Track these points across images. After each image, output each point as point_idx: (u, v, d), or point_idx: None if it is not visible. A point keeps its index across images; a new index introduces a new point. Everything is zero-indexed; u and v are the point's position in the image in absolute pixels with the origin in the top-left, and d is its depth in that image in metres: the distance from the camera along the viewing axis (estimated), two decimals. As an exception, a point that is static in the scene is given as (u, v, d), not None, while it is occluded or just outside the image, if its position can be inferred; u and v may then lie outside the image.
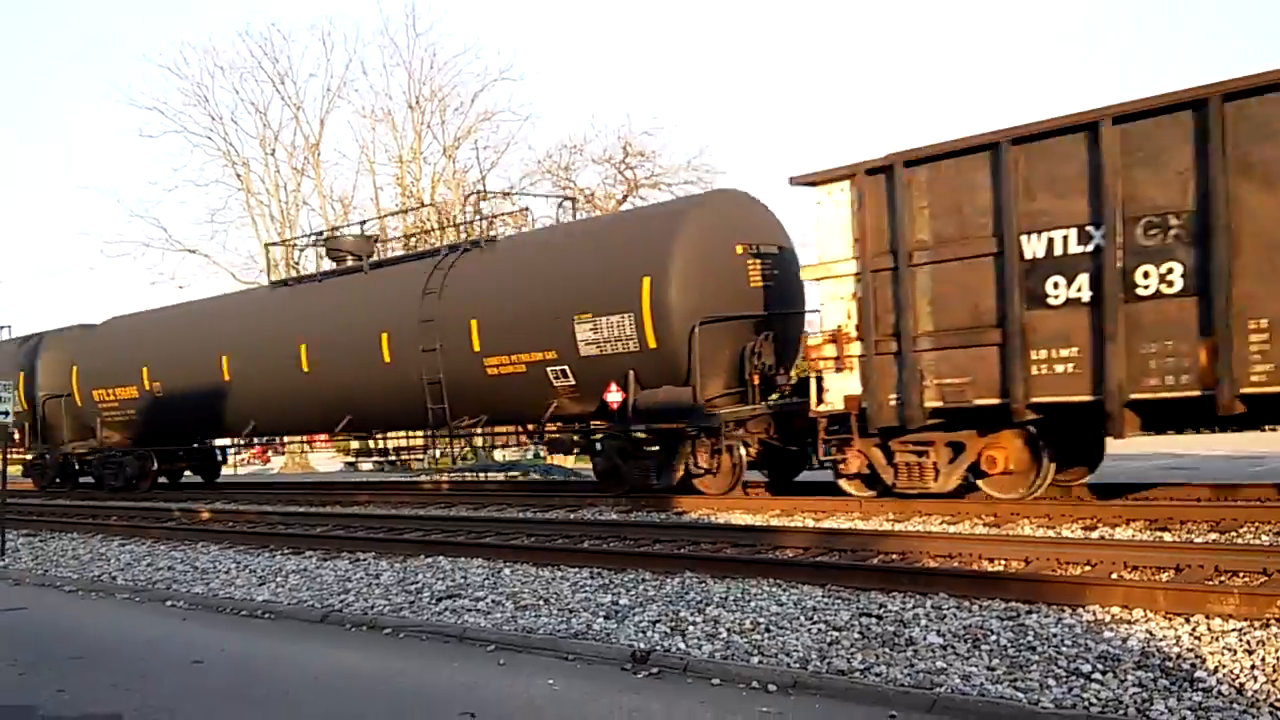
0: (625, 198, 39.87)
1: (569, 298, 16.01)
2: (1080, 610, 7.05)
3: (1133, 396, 10.55)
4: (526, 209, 41.21)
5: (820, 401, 12.86)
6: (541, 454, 28.76)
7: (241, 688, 6.85)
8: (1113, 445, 12.48)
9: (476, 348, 17.14)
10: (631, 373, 15.35)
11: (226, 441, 26.99)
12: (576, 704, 6.03)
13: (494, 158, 45.44)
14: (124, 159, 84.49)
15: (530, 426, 18.88)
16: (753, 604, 7.93)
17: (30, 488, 27.65)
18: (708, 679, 6.31)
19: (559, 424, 17.33)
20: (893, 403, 12.16)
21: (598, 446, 16.30)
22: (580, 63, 71.41)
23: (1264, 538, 9.64)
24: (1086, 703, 5.41)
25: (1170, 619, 6.72)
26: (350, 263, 21.22)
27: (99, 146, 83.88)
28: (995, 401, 11.42)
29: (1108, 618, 6.86)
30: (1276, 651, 5.91)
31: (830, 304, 12.73)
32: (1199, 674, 5.65)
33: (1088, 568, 8.48)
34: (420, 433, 22.18)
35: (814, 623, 7.28)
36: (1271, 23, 70.87)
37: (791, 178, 13.30)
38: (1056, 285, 10.97)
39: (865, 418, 12.46)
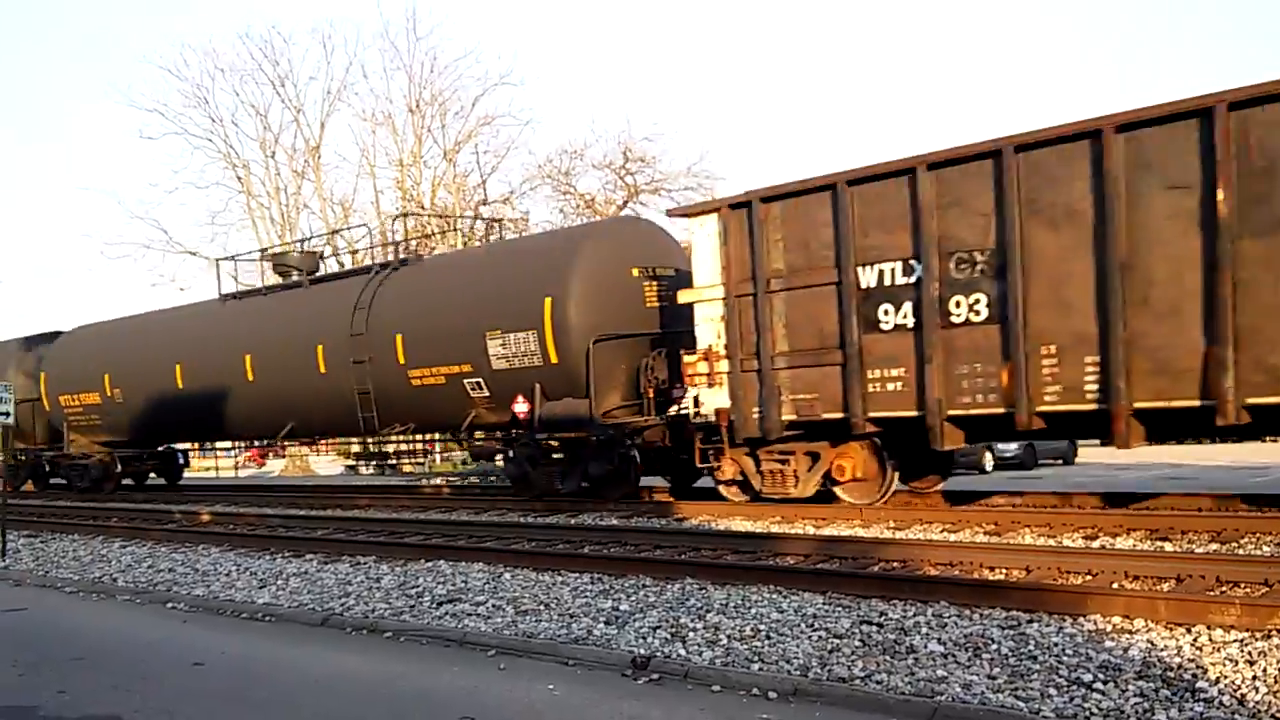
0: (625, 203, 39.90)
1: (482, 315, 17.02)
2: (1081, 619, 7.05)
3: (950, 413, 11.74)
4: (526, 214, 41.32)
5: (696, 414, 14.01)
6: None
7: (242, 690, 6.85)
8: (1113, 456, 12.65)
9: (402, 360, 18.20)
10: (537, 385, 16.38)
11: (188, 445, 28.10)
12: (577, 709, 6.03)
13: (494, 162, 45.49)
14: (124, 160, 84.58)
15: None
16: (753, 611, 7.93)
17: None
18: (708, 685, 6.31)
19: (480, 432, 18.63)
20: (755, 415, 13.32)
21: (510, 454, 17.47)
22: (581, 68, 71.48)
23: (1265, 548, 9.64)
24: (1088, 712, 5.41)
25: (1171, 629, 6.72)
26: (295, 278, 22.33)
27: (99, 148, 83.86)
28: (839, 416, 12.61)
29: (1109, 627, 6.85)
30: (1278, 662, 5.91)
31: (703, 325, 13.84)
32: (1200, 684, 5.65)
33: (1089, 577, 8.47)
34: (419, 437, 22.75)
35: (815, 630, 7.28)
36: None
37: (668, 210, 15.07)
38: (887, 312, 12.18)
39: (734, 429, 13.56)
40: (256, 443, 29.33)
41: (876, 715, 5.61)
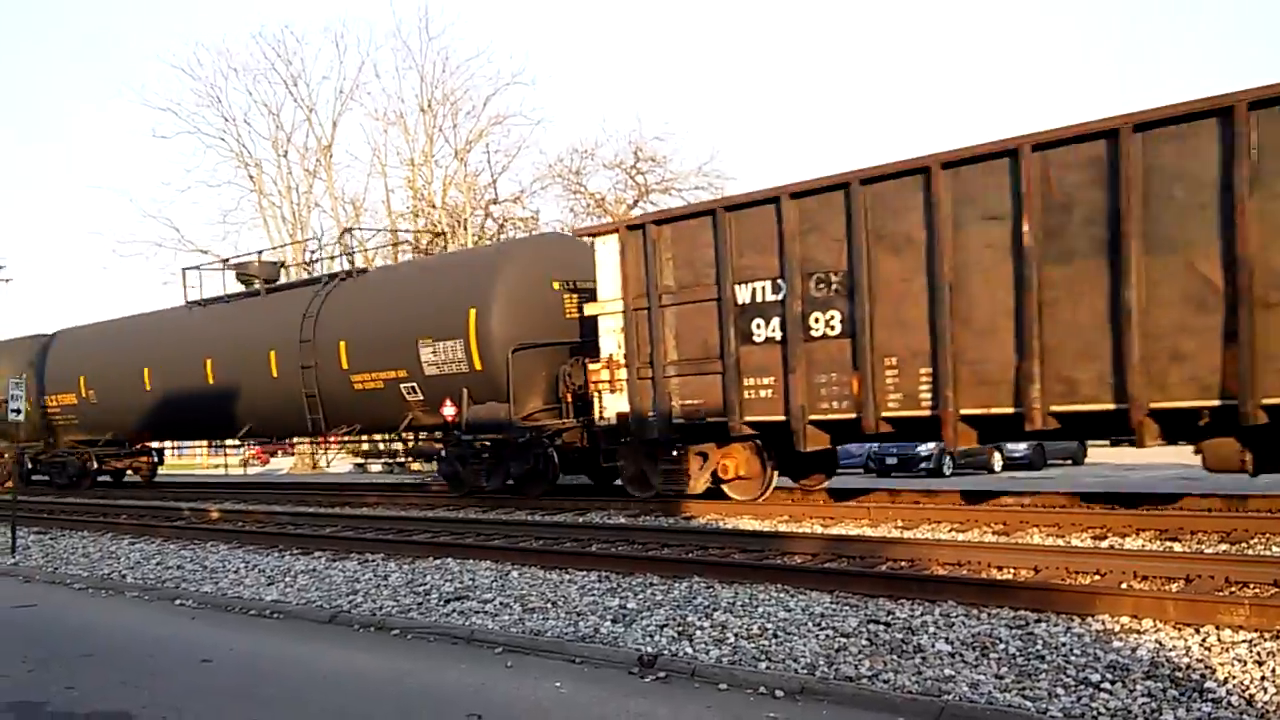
0: (636, 203, 39.92)
1: (415, 324, 18.22)
2: (1089, 619, 7.03)
3: (811, 417, 12.90)
4: (536, 213, 41.35)
5: (600, 417, 15.16)
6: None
7: (250, 687, 6.86)
8: (1122, 456, 12.70)
9: (345, 365, 19.51)
10: (465, 390, 17.54)
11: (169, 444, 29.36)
12: (584, 707, 6.04)
13: (505, 161, 45.70)
14: (137, 159, 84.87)
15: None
16: (760, 609, 7.93)
17: None
18: (715, 684, 6.31)
19: (421, 433, 19.92)
20: (650, 418, 14.45)
21: (442, 453, 18.73)
22: (592, 67, 71.51)
23: (1275, 549, 9.60)
24: (1095, 712, 5.39)
25: (1180, 629, 6.70)
26: (256, 286, 23.62)
27: (112, 147, 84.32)
28: (722, 419, 13.71)
29: (1117, 627, 6.84)
30: (1287, 663, 5.88)
31: (605, 336, 15.02)
32: (1209, 685, 5.63)
33: (1097, 577, 8.45)
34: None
35: (822, 629, 7.27)
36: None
37: (575, 230, 16.98)
38: (759, 326, 13.35)
39: (632, 431, 14.76)
40: (253, 442, 30.14)
41: (884, 714, 5.60)
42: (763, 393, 13.32)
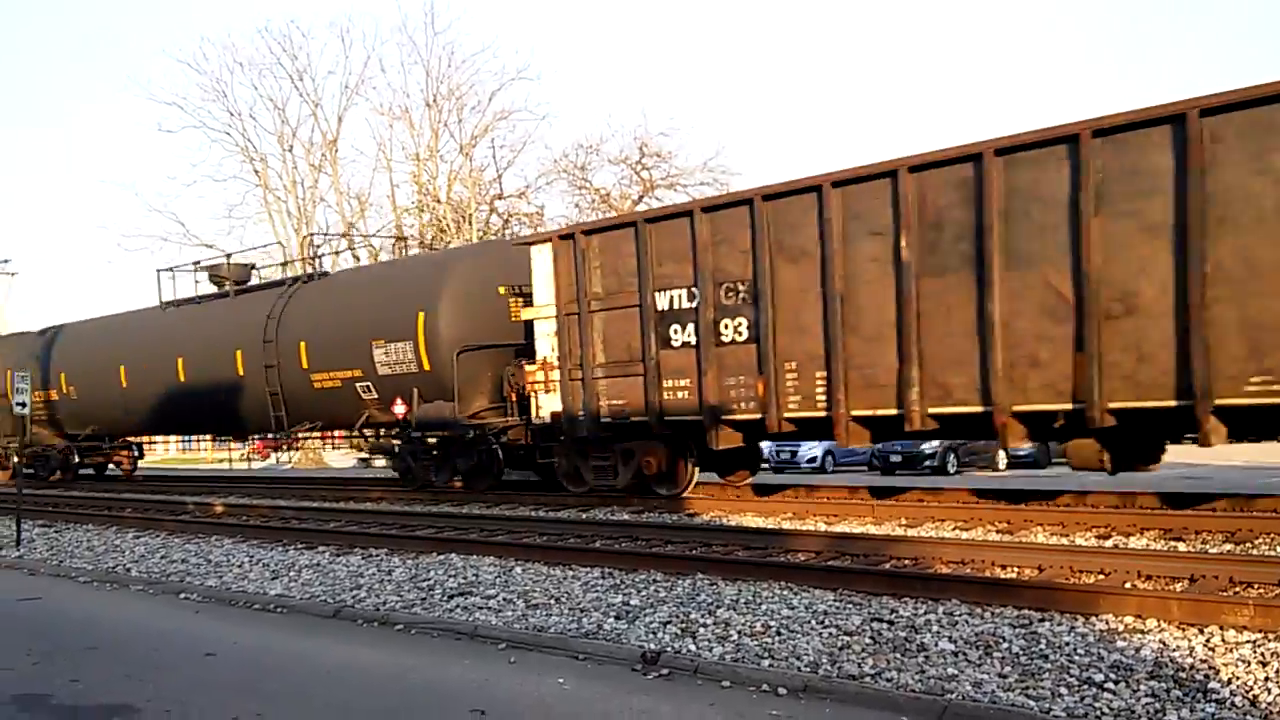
0: (641, 198, 39.89)
1: (369, 326, 19.08)
2: (1093, 619, 7.03)
3: (723, 417, 13.74)
4: (541, 208, 41.34)
5: (537, 416, 15.96)
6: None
7: (253, 681, 6.88)
8: None
9: (305, 365, 20.39)
10: (415, 389, 18.30)
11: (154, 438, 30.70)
12: (587, 703, 6.04)
13: (510, 157, 45.67)
14: (142, 154, 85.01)
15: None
16: (764, 607, 7.93)
17: None
18: (718, 681, 6.31)
19: (375, 429, 20.87)
20: (581, 418, 15.25)
21: (395, 449, 19.76)
22: (597, 63, 71.51)
23: (1280, 549, 9.58)
24: (1099, 712, 5.39)
25: (1184, 629, 6.69)
26: (227, 287, 24.49)
27: (118, 141, 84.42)
28: (644, 418, 14.52)
29: (1121, 627, 6.83)
30: (1291, 664, 5.87)
31: (540, 339, 15.85)
32: (1212, 685, 5.62)
33: (1101, 576, 8.44)
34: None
35: (825, 627, 7.27)
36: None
37: (512, 241, 17.71)
38: (676, 331, 14.15)
39: (565, 429, 15.54)
40: (257, 437, 30.79)
41: (887, 713, 5.60)
42: (680, 394, 14.17)
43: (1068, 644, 6.50)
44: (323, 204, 44.16)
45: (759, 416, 13.36)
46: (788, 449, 27.26)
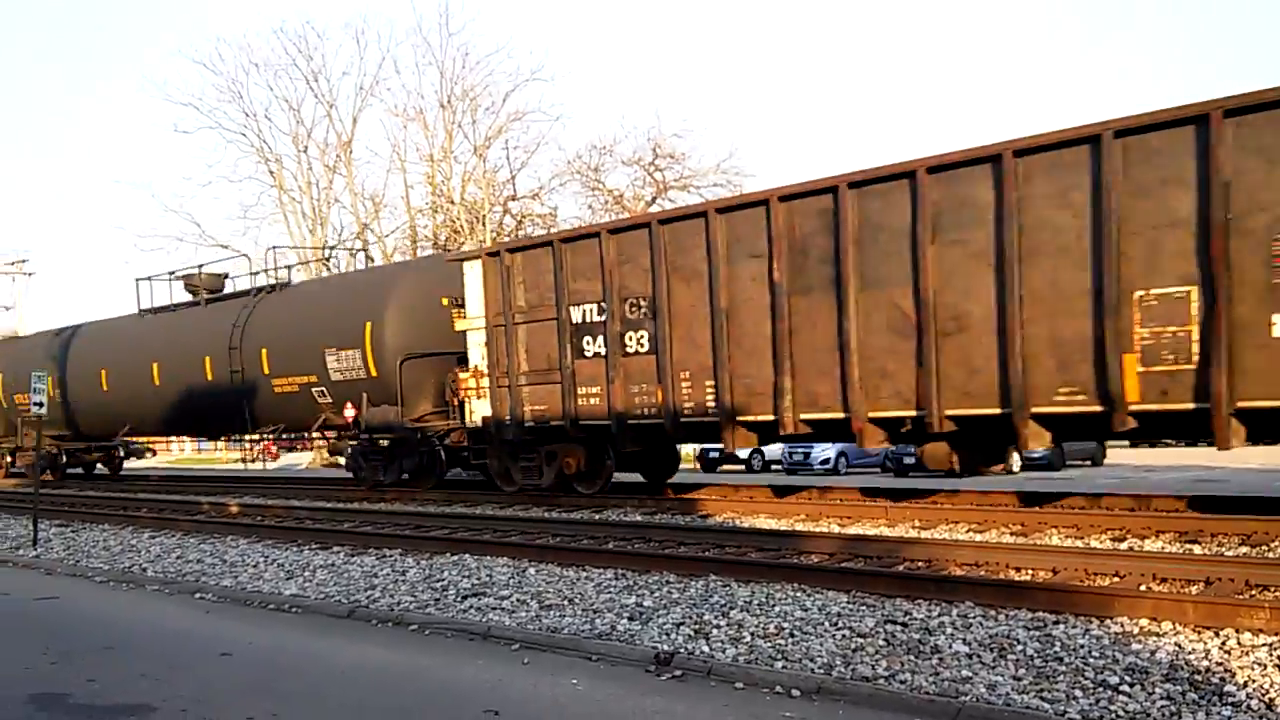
0: (654, 199, 39.91)
1: (322, 334, 20.50)
2: (1108, 621, 7.00)
3: (629, 422, 14.90)
4: (555, 209, 41.37)
5: (470, 420, 17.26)
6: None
7: (269, 681, 6.91)
8: (1141, 458, 12.69)
9: (266, 370, 21.83)
10: (364, 395, 19.74)
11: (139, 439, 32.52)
12: (600, 704, 6.05)
13: (524, 158, 45.85)
14: (158, 154, 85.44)
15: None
16: (777, 609, 7.92)
17: None
18: (731, 683, 6.32)
19: (334, 431, 22.13)
20: (508, 422, 16.52)
21: (348, 450, 21.04)
22: (611, 63, 71.57)
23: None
24: (1113, 714, 5.37)
25: (1199, 632, 6.66)
26: (201, 296, 25.79)
27: (134, 142, 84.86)
28: (561, 423, 15.75)
29: (1136, 629, 6.80)
30: (1308, 667, 5.84)
31: (473, 348, 17.08)
32: (1228, 688, 5.60)
33: (1116, 579, 8.41)
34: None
35: (838, 629, 7.26)
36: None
37: (446, 257, 19.45)
38: (589, 342, 15.35)
39: (493, 432, 16.84)
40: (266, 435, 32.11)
41: (900, 715, 5.60)
42: (592, 400, 15.36)
43: (1082, 646, 6.48)
44: (337, 205, 44.43)
45: (659, 421, 14.56)
46: (800, 450, 27.46)
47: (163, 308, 26.72)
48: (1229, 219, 10.12)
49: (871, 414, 12.55)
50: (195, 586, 10.92)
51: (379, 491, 19.78)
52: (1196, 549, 9.93)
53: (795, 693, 6.04)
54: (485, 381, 16.79)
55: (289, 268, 26.30)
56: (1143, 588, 7.98)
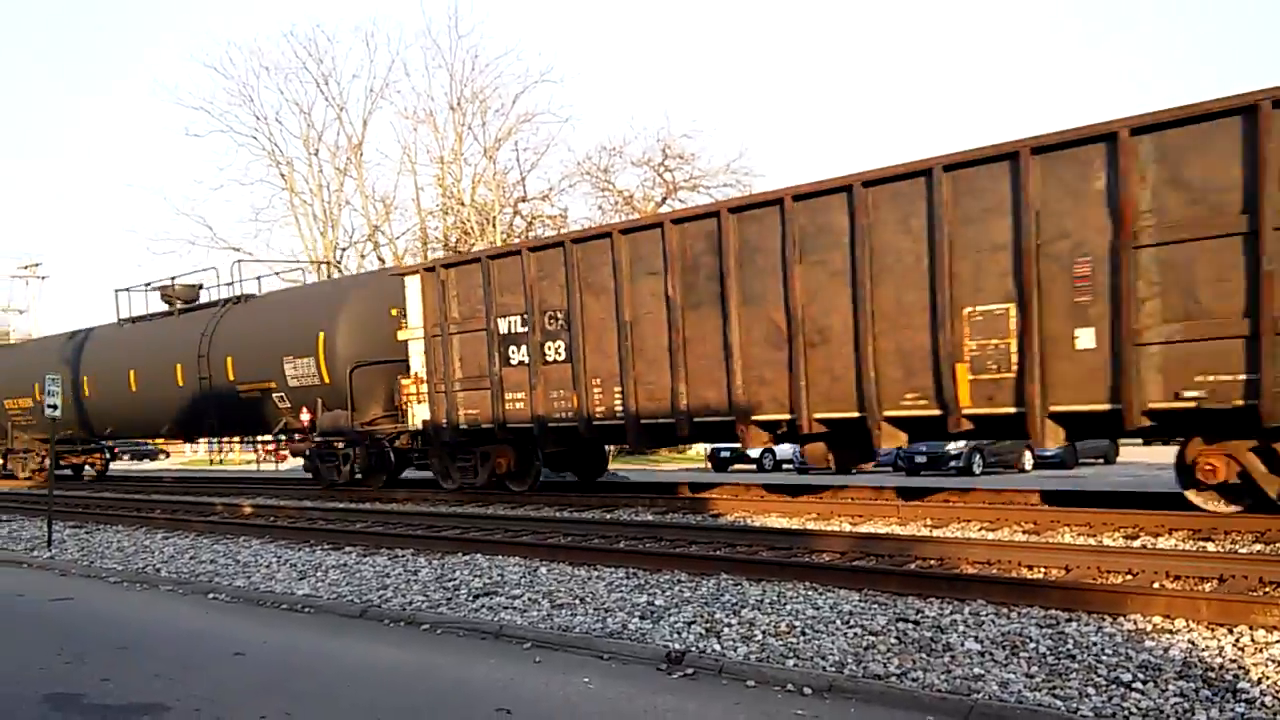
0: (664, 200, 39.90)
1: (281, 343, 21.82)
2: (1121, 619, 6.98)
3: (550, 425, 16.09)
4: (565, 211, 41.40)
5: (412, 424, 18.37)
6: None
7: (282, 680, 6.93)
8: (1153, 455, 12.77)
9: (232, 377, 23.22)
10: (319, 400, 21.06)
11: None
12: (612, 702, 6.06)
13: (534, 159, 45.70)
14: (170, 157, 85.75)
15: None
16: (788, 607, 7.92)
17: None
18: (743, 681, 6.32)
19: (291, 434, 23.12)
20: (445, 425, 17.71)
21: (306, 452, 22.03)
22: (621, 65, 71.56)
23: (1311, 549, 9.47)
24: (1126, 712, 5.35)
25: (1213, 629, 6.64)
26: (176, 306, 27.23)
27: (146, 145, 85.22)
28: (492, 426, 16.99)
29: (1149, 627, 6.78)
30: (1322, 664, 5.81)
31: (414, 356, 18.24)
32: (1242, 685, 5.58)
33: (1129, 576, 8.38)
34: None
35: (850, 627, 7.26)
36: None
37: (389, 271, 21.07)
38: (514, 351, 16.54)
39: (432, 435, 18.10)
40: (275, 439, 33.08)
41: (912, 713, 5.59)
42: (518, 405, 16.55)
43: (1095, 644, 6.47)
44: (348, 207, 44.46)
45: (575, 424, 15.72)
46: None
47: (140, 317, 28.23)
48: (1039, 245, 11.25)
49: (753, 416, 13.66)
50: (209, 587, 10.96)
51: (333, 491, 20.97)
52: (1210, 546, 9.90)
53: (807, 691, 6.03)
54: (425, 387, 17.92)
55: (257, 279, 27.87)
56: (1156, 585, 7.97)
